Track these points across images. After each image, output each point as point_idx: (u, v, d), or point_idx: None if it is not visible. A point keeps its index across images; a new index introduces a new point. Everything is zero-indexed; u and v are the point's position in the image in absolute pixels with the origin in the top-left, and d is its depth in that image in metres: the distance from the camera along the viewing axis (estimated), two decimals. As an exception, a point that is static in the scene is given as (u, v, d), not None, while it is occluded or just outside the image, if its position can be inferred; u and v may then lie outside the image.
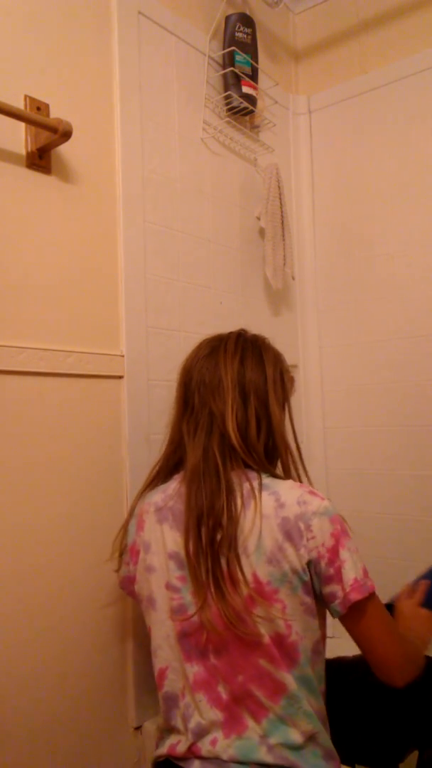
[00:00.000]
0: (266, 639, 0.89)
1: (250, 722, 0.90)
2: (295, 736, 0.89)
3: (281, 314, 1.86)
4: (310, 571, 0.90)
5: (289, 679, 0.90)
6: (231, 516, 0.91)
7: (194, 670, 0.93)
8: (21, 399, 1.12)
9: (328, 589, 0.91)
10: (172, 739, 0.96)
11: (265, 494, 0.92)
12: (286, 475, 1.01)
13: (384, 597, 1.02)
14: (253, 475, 0.96)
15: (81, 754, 1.18)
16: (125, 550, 1.09)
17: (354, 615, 0.91)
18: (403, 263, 1.76)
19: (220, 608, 0.88)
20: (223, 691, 0.92)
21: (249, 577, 0.89)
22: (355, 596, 0.89)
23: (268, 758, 0.87)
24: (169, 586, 0.96)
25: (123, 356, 1.31)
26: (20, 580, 1.10)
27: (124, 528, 1.12)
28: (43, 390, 1.16)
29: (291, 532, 0.89)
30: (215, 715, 0.92)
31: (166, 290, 1.45)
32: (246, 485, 0.94)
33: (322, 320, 1.92)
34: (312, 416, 1.91)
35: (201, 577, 0.91)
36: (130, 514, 1.11)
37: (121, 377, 1.31)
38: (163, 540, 0.98)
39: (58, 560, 1.16)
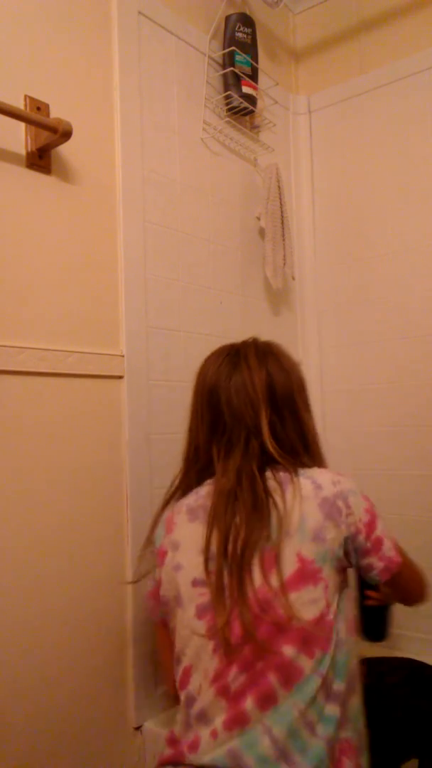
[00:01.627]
0: (300, 623, 0.89)
1: (256, 713, 0.87)
2: (300, 727, 0.87)
3: (281, 314, 1.86)
4: (346, 547, 0.95)
5: (310, 665, 0.88)
6: (276, 506, 0.93)
7: (215, 662, 0.91)
8: (21, 399, 1.12)
9: (366, 561, 0.97)
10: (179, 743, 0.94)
11: (301, 479, 0.96)
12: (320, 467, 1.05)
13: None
14: (285, 470, 0.98)
15: (81, 754, 1.18)
16: (149, 561, 1.08)
17: (393, 580, 1.00)
18: (403, 263, 1.76)
19: (241, 596, 0.90)
20: (235, 682, 0.89)
21: (293, 557, 0.90)
22: (395, 568, 0.98)
23: (270, 751, 0.85)
24: (196, 583, 0.96)
25: (123, 356, 1.31)
26: (19, 581, 1.10)
27: (147, 544, 1.12)
28: (43, 390, 1.16)
29: (331, 511, 0.93)
30: (221, 705, 0.89)
31: (166, 290, 1.45)
32: (280, 474, 0.97)
33: (322, 320, 1.92)
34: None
35: (228, 569, 0.92)
36: (154, 526, 1.09)
37: (121, 377, 1.31)
38: (193, 537, 0.98)
39: (57, 560, 1.16)
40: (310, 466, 1.01)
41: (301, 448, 1.02)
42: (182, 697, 0.95)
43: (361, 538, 0.95)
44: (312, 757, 0.85)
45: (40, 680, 1.12)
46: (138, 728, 1.29)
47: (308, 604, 0.89)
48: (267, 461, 0.98)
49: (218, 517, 0.95)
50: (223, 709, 0.88)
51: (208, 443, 1.04)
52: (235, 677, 0.88)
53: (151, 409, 1.37)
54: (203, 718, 0.90)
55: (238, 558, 0.91)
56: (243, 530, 0.92)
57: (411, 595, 1.09)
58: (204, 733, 0.89)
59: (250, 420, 1.00)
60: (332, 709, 0.89)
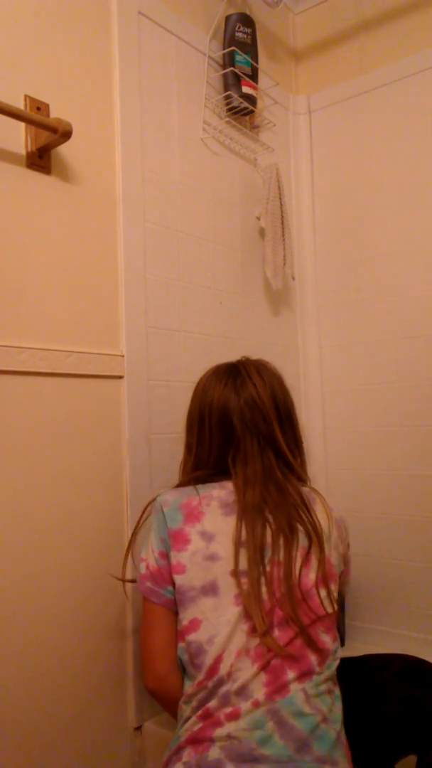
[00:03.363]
0: (329, 611, 1.03)
1: (295, 685, 0.96)
2: (327, 692, 0.99)
3: (281, 314, 1.86)
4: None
5: (333, 648, 1.03)
6: (310, 518, 1.06)
7: (256, 643, 0.97)
8: (21, 399, 1.12)
9: (345, 578, 1.16)
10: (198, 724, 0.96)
11: (322, 499, 1.12)
12: (306, 476, 1.17)
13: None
14: (302, 485, 1.13)
15: (81, 754, 1.18)
16: (152, 545, 1.08)
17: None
18: (403, 263, 1.76)
19: (288, 588, 0.99)
20: (277, 659, 0.97)
21: (324, 561, 1.04)
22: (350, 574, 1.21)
23: (306, 708, 0.94)
24: (235, 573, 1.00)
25: (123, 356, 1.31)
26: (19, 581, 1.10)
27: (137, 529, 1.18)
28: (43, 390, 1.16)
29: (340, 530, 1.12)
30: (263, 680, 0.95)
31: (166, 290, 1.45)
32: (305, 489, 1.11)
33: (322, 320, 1.92)
34: (312, 416, 1.91)
35: (270, 564, 1.01)
36: (147, 511, 1.15)
37: (121, 377, 1.31)
38: (230, 531, 1.03)
39: (57, 560, 1.16)
40: (301, 474, 1.14)
41: (297, 455, 1.15)
42: (212, 682, 0.96)
43: (348, 555, 1.16)
44: (334, 719, 0.96)
45: (39, 680, 1.12)
46: (138, 728, 1.29)
47: (334, 599, 1.05)
48: (282, 466, 1.10)
49: (253, 518, 1.04)
50: (264, 683, 0.95)
51: (221, 454, 1.12)
52: (276, 655, 0.97)
53: (151, 409, 1.37)
54: (243, 692, 0.94)
55: (279, 558, 1.02)
56: (283, 538, 1.03)
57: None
58: (245, 705, 0.93)
59: (264, 428, 1.10)
60: (338, 690, 1.02)
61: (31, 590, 1.11)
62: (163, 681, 1.03)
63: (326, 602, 1.03)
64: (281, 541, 1.02)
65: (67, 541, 1.18)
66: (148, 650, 1.05)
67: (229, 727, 0.91)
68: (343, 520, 1.15)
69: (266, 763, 0.88)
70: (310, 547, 1.04)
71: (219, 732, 0.92)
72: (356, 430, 1.84)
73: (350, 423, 1.86)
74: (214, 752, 0.90)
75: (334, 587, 1.05)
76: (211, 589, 1.00)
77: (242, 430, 1.10)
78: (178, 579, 1.02)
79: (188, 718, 0.97)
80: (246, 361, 1.18)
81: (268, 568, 1.01)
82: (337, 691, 1.01)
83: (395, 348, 1.77)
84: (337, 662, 1.03)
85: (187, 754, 0.92)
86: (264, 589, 0.99)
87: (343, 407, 1.87)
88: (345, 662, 1.16)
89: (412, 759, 1.10)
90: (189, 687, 0.98)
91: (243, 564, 1.00)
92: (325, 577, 1.03)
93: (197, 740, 0.93)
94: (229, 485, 1.09)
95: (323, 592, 1.02)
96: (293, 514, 1.05)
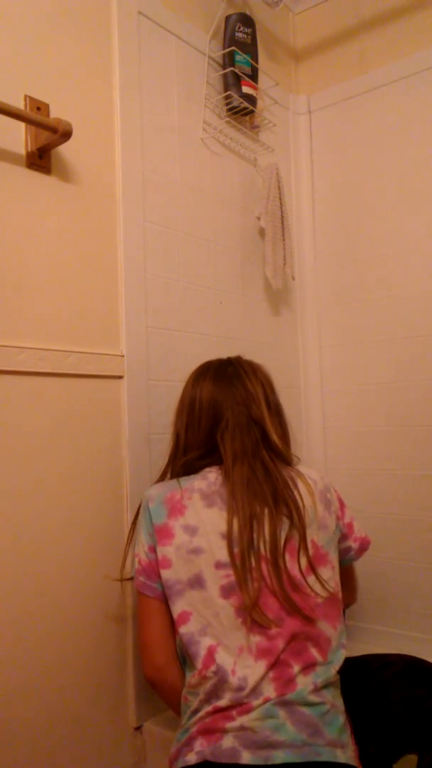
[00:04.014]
0: (323, 599, 1.03)
1: (301, 678, 0.97)
2: (333, 684, 1.00)
3: (281, 314, 1.86)
4: (337, 532, 1.13)
5: (335, 635, 1.03)
6: (293, 499, 1.07)
7: (256, 639, 0.97)
8: (21, 399, 1.12)
9: (343, 545, 1.17)
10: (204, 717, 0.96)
11: (305, 477, 1.12)
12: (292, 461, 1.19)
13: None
14: (288, 466, 1.14)
15: (81, 754, 1.18)
16: (141, 540, 1.10)
17: (356, 559, 1.21)
18: (403, 263, 1.76)
19: (277, 577, 1.00)
20: (281, 654, 0.97)
21: (310, 544, 1.05)
22: (368, 546, 1.21)
23: (314, 698, 0.95)
24: (219, 565, 1.01)
25: (123, 356, 1.31)
26: (19, 581, 1.10)
27: (132, 528, 1.18)
28: (43, 390, 1.16)
29: (326, 502, 1.11)
30: (271, 676, 0.96)
31: (166, 290, 1.45)
32: (288, 468, 1.13)
33: (322, 320, 1.92)
34: (312, 416, 1.91)
35: (247, 551, 1.01)
36: (142, 507, 1.14)
37: (121, 377, 1.31)
38: (213, 522, 1.04)
39: (57, 560, 1.16)
40: (286, 457, 1.16)
41: (288, 437, 1.19)
42: (209, 671, 0.97)
43: (341, 524, 1.16)
44: (339, 706, 0.98)
45: (39, 680, 1.12)
46: (138, 728, 1.29)
47: (324, 582, 1.04)
48: (268, 448, 1.11)
49: (239, 505, 1.04)
50: (272, 679, 0.96)
51: (210, 432, 1.14)
52: (280, 650, 0.97)
53: (151, 409, 1.37)
54: (254, 693, 0.95)
55: (266, 543, 1.02)
56: (267, 520, 1.03)
57: (354, 592, 1.28)
58: (256, 702, 0.94)
59: (254, 409, 1.13)
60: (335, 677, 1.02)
61: (30, 589, 1.11)
62: (162, 671, 1.05)
63: (317, 587, 1.02)
64: (266, 524, 1.03)
65: (66, 540, 1.18)
66: (146, 642, 1.08)
67: (241, 720, 0.93)
68: (328, 487, 1.14)
69: (282, 748, 0.89)
70: (291, 529, 1.03)
71: (231, 724, 0.93)
72: (356, 430, 1.84)
73: (350, 423, 1.86)
74: (228, 741, 0.91)
75: (324, 570, 1.05)
76: (197, 582, 1.02)
77: (232, 409, 1.12)
78: (165, 573, 1.05)
79: (196, 710, 0.97)
80: (240, 358, 1.22)
81: (253, 563, 1.00)
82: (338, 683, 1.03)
83: (395, 348, 1.77)
84: (342, 651, 1.03)
85: (200, 744, 0.93)
86: (253, 582, 0.99)
87: (343, 407, 1.87)
88: (346, 662, 1.16)
89: (412, 759, 1.10)
90: (190, 677, 1.00)
91: (226, 557, 1.01)
92: (311, 562, 1.03)
93: (209, 731, 0.93)
94: (211, 475, 1.09)
95: (311, 579, 1.02)
96: (279, 493, 1.06)
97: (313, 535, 1.06)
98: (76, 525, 1.20)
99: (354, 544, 1.18)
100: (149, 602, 1.07)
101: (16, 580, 1.09)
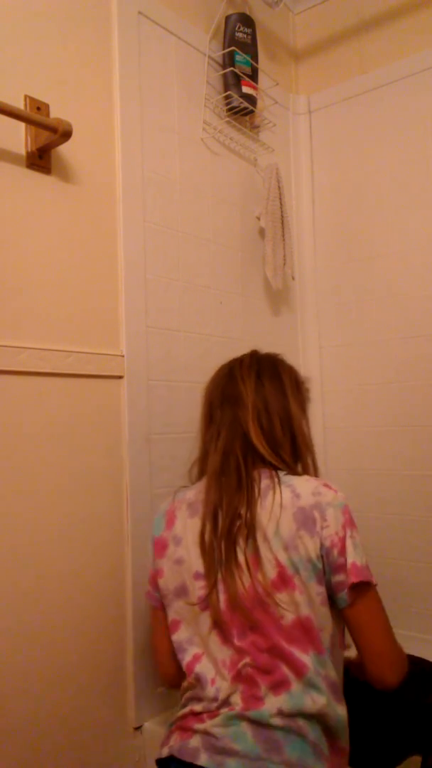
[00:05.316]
0: (288, 621, 0.95)
1: (270, 698, 0.94)
2: (309, 706, 0.93)
3: (281, 314, 1.86)
4: (323, 561, 0.97)
5: (310, 661, 0.94)
6: (250, 505, 1.00)
7: (229, 653, 0.98)
8: (21, 399, 1.12)
9: (336, 579, 0.97)
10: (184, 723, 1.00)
11: (282, 486, 1.01)
12: (307, 473, 1.09)
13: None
14: (271, 472, 1.04)
15: (81, 754, 1.18)
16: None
17: (357, 603, 0.97)
18: (403, 263, 1.76)
19: (235, 590, 0.97)
20: (247, 669, 0.96)
21: (273, 561, 0.96)
22: (357, 578, 0.96)
23: (277, 721, 0.92)
24: (197, 576, 1.02)
25: (123, 356, 1.31)
26: (18, 581, 1.10)
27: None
28: (43, 390, 1.16)
29: (306, 521, 0.97)
30: (239, 689, 0.96)
31: (166, 290, 1.45)
32: (265, 480, 1.03)
33: (322, 320, 1.92)
34: (312, 416, 1.90)
35: (215, 562, 1.00)
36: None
37: (121, 377, 1.31)
38: (193, 531, 1.05)
39: (57, 560, 1.16)
40: (296, 469, 1.08)
41: (289, 449, 1.08)
42: (192, 678, 1.01)
43: (335, 552, 0.96)
44: (308, 738, 0.92)
45: (39, 680, 1.12)
46: (138, 728, 1.29)
47: (287, 606, 0.95)
48: (253, 449, 1.05)
49: (208, 501, 1.03)
50: (240, 692, 0.95)
51: (204, 434, 1.15)
52: (245, 665, 0.95)
53: (151, 409, 1.37)
54: (225, 703, 0.96)
55: (225, 533, 0.99)
56: (227, 508, 1.00)
57: (374, 644, 0.98)
58: (224, 710, 0.96)
59: (238, 412, 1.08)
60: (342, 710, 0.97)
61: (30, 591, 1.11)
62: (174, 680, 1.11)
63: (279, 610, 0.95)
64: (223, 545, 0.99)
65: (66, 540, 1.18)
66: (156, 650, 1.15)
67: (207, 724, 0.95)
68: (320, 505, 0.98)
69: (236, 757, 0.90)
70: (246, 547, 0.97)
71: (199, 726, 0.96)
72: (356, 430, 1.84)
73: (350, 423, 1.86)
74: (195, 741, 0.95)
75: (285, 594, 0.95)
76: (182, 592, 1.05)
77: (221, 412, 1.11)
78: (160, 583, 1.09)
79: (181, 709, 1.03)
80: (249, 352, 1.18)
81: (221, 575, 0.99)
82: (340, 710, 0.96)
83: (395, 348, 1.77)
84: (322, 679, 0.94)
85: (173, 739, 0.98)
86: (221, 588, 0.99)
87: (343, 407, 1.87)
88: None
89: (416, 760, 1.10)
90: (184, 681, 1.05)
91: (201, 567, 1.02)
92: (267, 582, 0.95)
93: (183, 729, 0.99)
94: (201, 484, 1.10)
95: (277, 596, 0.95)
96: (244, 495, 1.01)
97: (276, 552, 0.96)
98: (76, 525, 1.20)
99: (346, 580, 0.96)
100: (155, 612, 1.14)
101: (16, 580, 1.09)
